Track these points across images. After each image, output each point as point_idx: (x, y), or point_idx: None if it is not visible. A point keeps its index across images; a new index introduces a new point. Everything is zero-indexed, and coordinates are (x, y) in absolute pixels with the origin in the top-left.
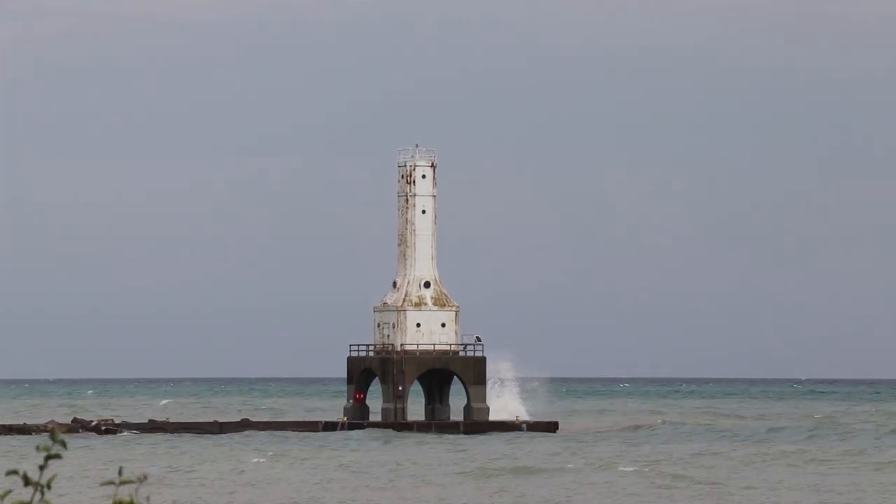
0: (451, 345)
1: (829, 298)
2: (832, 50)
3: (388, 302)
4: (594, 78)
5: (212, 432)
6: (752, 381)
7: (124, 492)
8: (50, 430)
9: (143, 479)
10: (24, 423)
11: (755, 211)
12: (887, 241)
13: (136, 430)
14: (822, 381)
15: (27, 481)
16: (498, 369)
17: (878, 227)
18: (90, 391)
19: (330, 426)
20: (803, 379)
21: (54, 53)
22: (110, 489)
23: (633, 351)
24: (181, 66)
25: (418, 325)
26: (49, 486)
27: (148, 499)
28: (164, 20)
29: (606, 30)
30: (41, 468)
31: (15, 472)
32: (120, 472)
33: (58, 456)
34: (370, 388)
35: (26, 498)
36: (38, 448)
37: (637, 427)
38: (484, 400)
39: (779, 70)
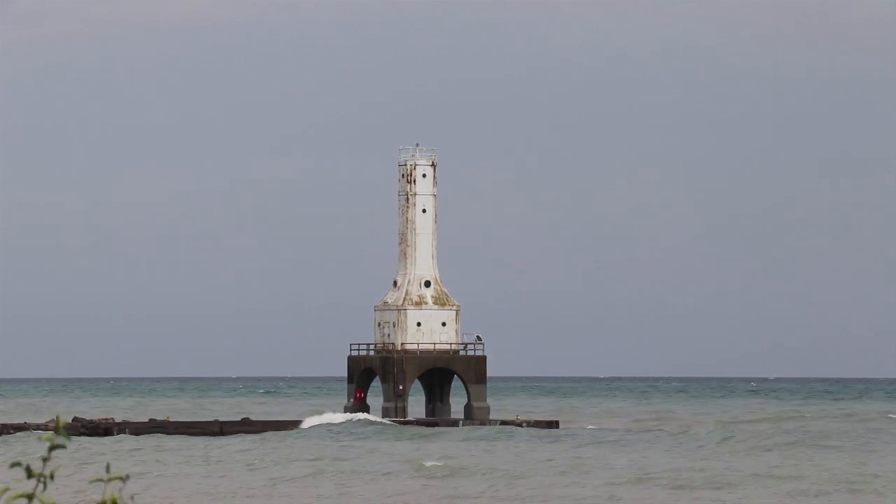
0: (451, 344)
1: (838, 300)
2: (836, 54)
3: (389, 301)
4: (596, 80)
5: (212, 432)
6: (745, 380)
7: (112, 489)
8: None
9: (126, 477)
10: (25, 423)
11: (757, 213)
12: (890, 242)
13: (136, 428)
14: (825, 381)
15: (30, 473)
16: None
17: (880, 228)
18: (91, 390)
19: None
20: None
21: (56, 56)
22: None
23: (634, 351)
24: (183, 69)
25: (419, 324)
26: (52, 477)
27: (132, 498)
28: (170, 22)
29: (609, 33)
30: (44, 460)
31: (18, 464)
32: (108, 469)
33: (62, 446)
34: (371, 387)
35: (28, 491)
36: (40, 439)
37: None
38: (485, 399)
39: (783, 73)
